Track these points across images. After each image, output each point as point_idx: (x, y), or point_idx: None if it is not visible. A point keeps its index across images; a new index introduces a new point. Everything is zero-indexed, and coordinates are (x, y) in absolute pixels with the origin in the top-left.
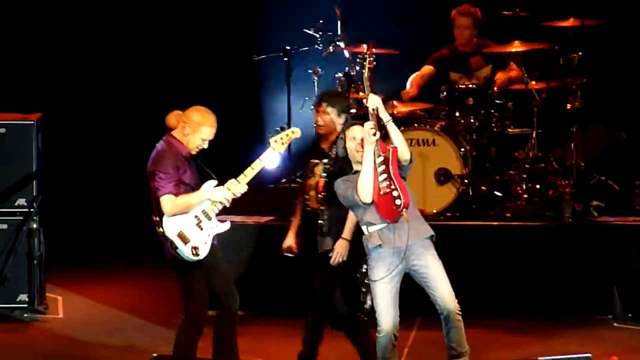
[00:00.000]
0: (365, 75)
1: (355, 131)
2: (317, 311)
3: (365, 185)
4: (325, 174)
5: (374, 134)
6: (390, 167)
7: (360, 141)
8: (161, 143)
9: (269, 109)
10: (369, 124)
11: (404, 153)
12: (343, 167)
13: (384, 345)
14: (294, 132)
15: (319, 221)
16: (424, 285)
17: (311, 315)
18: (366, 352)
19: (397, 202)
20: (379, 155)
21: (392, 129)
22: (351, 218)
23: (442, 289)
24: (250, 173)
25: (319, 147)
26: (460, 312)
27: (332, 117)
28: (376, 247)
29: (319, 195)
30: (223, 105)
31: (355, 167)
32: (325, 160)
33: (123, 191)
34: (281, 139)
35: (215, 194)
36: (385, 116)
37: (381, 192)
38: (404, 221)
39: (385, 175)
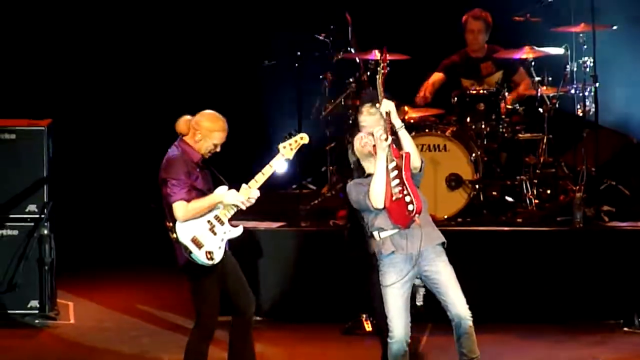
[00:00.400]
0: (379, 81)
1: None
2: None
3: (378, 191)
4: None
5: (386, 139)
6: (403, 173)
7: (373, 147)
8: (173, 149)
9: (279, 115)
10: (380, 130)
11: (415, 160)
12: None
13: (396, 351)
14: (303, 138)
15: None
16: (435, 291)
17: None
18: None
19: (410, 207)
20: (392, 161)
21: (404, 135)
22: None
23: (453, 295)
24: (260, 179)
25: None
26: (471, 319)
27: (378, 117)
28: (389, 253)
29: None
30: (233, 110)
31: (365, 164)
32: None
33: (133, 197)
34: (290, 145)
35: (228, 197)
36: (397, 122)
37: (393, 198)
38: (417, 227)
39: (397, 181)
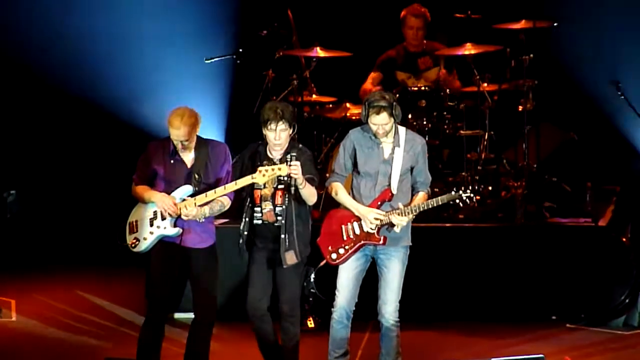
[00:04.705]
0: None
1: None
2: (291, 321)
3: (338, 199)
4: (282, 186)
5: (374, 227)
6: (357, 243)
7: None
8: None
9: (220, 111)
10: (377, 219)
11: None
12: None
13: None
14: (280, 169)
15: (281, 236)
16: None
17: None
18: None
19: (333, 255)
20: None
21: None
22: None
23: (388, 294)
24: (212, 195)
25: (267, 158)
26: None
27: (289, 132)
28: None
29: (278, 208)
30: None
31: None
32: None
33: (74, 194)
34: (266, 171)
35: (159, 201)
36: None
37: (343, 234)
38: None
39: (353, 238)
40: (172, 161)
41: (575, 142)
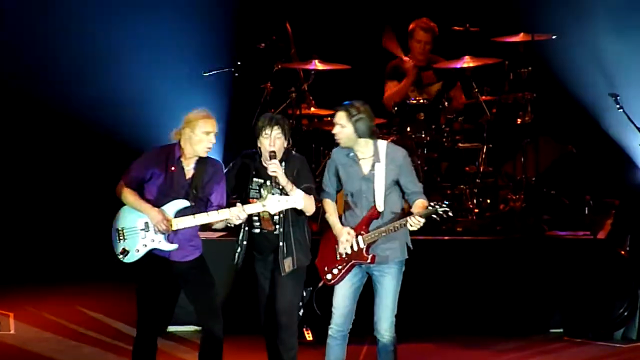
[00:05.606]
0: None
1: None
2: (288, 333)
3: (326, 213)
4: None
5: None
6: (349, 263)
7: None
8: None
9: (219, 125)
10: (348, 241)
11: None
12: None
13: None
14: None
15: (280, 243)
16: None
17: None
18: None
19: (328, 276)
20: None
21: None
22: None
23: (382, 309)
24: (188, 222)
25: (261, 166)
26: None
27: (284, 142)
28: None
29: (276, 217)
30: (174, 123)
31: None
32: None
33: (73, 208)
34: (278, 201)
35: (153, 218)
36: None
37: (337, 253)
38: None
39: (344, 257)
40: (172, 168)
41: (573, 155)
